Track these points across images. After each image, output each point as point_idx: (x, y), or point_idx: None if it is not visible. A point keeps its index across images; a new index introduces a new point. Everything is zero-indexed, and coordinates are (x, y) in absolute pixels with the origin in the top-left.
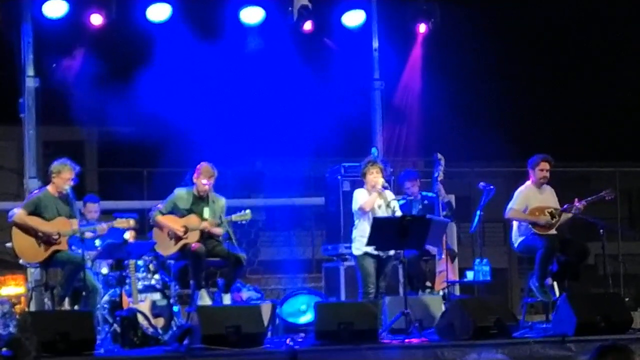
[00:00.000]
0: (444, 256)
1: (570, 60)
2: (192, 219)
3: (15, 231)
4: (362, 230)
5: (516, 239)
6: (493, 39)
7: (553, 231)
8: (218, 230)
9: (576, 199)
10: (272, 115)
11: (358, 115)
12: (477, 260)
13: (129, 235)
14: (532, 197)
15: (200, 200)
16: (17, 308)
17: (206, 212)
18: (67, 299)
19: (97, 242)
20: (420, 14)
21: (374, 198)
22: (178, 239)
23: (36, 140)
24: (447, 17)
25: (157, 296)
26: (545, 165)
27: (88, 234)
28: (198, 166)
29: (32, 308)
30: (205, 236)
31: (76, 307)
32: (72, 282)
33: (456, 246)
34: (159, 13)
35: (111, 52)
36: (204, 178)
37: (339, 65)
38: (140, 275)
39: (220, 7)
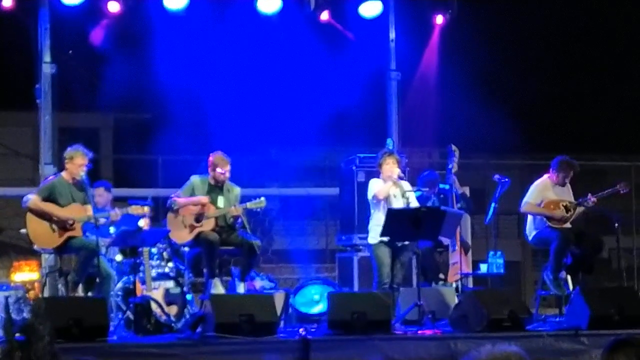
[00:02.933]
0: (457, 248)
1: (587, 53)
2: (206, 207)
3: (29, 217)
4: (377, 220)
5: (531, 231)
6: (509, 31)
7: (568, 224)
8: (234, 210)
9: (589, 193)
10: (288, 104)
11: (374, 106)
12: (491, 253)
13: (143, 223)
14: (548, 191)
15: (216, 188)
16: (31, 294)
17: (220, 200)
18: (80, 285)
19: (112, 229)
20: (438, 5)
21: (388, 187)
22: (192, 227)
23: (52, 126)
24: (464, 8)
25: (170, 284)
26: (571, 173)
27: (102, 220)
28: (210, 158)
29: (46, 294)
30: (220, 224)
31: (90, 294)
32: (86, 268)
33: (470, 238)
34: (175, 1)
35: (127, 39)
36: (220, 167)
37: (356, 55)
38: (154, 262)
39: None
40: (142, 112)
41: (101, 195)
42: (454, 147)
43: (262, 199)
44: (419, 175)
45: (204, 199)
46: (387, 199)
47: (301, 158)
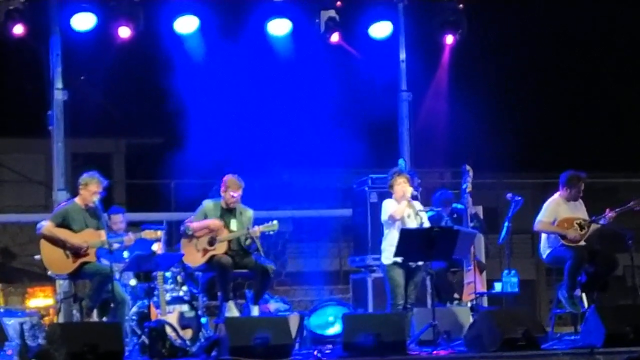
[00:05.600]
0: (472, 267)
1: (598, 70)
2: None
3: (43, 243)
4: (391, 240)
5: (545, 250)
6: (520, 50)
7: (582, 242)
8: (255, 231)
9: (607, 209)
10: (300, 126)
11: (385, 127)
12: (505, 272)
13: (156, 247)
14: (561, 209)
15: (228, 212)
16: (46, 320)
17: (233, 224)
18: (95, 311)
19: (125, 254)
20: (448, 25)
21: (403, 206)
22: (205, 250)
23: (64, 152)
24: (474, 28)
25: (185, 307)
26: (581, 185)
27: (116, 245)
28: (224, 179)
29: (61, 319)
30: (233, 248)
31: (104, 319)
32: (101, 293)
33: (484, 258)
34: (186, 25)
35: (138, 64)
36: (232, 190)
37: (367, 76)
38: (168, 286)
39: (248, 19)
40: (154, 137)
41: (122, 221)
42: (468, 167)
43: (275, 222)
44: (432, 195)
45: (218, 222)
46: (402, 218)
47: (314, 180)
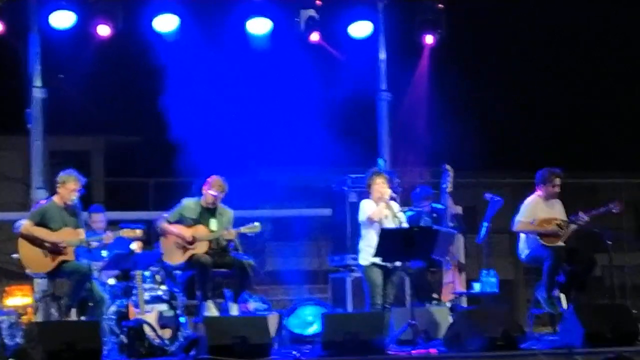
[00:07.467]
0: (451, 267)
1: (576, 70)
2: (199, 230)
3: (21, 242)
4: (368, 240)
5: (523, 250)
6: (499, 50)
7: (560, 242)
8: (228, 234)
9: (580, 211)
10: (279, 125)
11: (365, 126)
12: (484, 272)
13: (135, 246)
14: (539, 209)
15: (208, 211)
16: (24, 318)
17: (213, 223)
18: (73, 310)
19: (104, 253)
20: (427, 25)
21: (382, 208)
22: (185, 249)
23: (43, 150)
24: (453, 28)
25: (163, 307)
26: (557, 181)
27: (94, 244)
28: (209, 179)
29: (39, 318)
30: (213, 247)
31: (83, 318)
32: (79, 292)
33: (463, 257)
34: (166, 23)
35: (118, 62)
36: (213, 190)
37: (346, 75)
38: (147, 285)
39: (228, 17)
40: (133, 135)
41: (102, 220)
42: (448, 167)
43: (257, 224)
44: (411, 193)
45: (189, 236)
46: (380, 220)
47: (293, 179)
